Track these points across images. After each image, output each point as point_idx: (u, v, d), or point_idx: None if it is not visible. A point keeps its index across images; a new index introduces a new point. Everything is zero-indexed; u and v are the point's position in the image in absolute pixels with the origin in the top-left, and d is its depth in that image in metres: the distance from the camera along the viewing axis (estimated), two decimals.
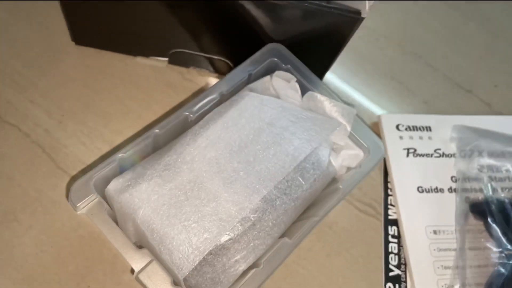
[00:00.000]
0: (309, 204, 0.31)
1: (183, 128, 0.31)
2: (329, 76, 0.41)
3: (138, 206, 0.26)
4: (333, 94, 0.33)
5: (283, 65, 0.33)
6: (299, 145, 0.29)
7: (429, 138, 0.39)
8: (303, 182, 0.29)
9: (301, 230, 0.28)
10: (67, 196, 0.33)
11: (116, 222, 0.27)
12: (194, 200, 0.27)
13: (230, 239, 0.27)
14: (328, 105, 0.32)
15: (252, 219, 0.27)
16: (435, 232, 0.35)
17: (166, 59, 0.39)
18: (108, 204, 0.28)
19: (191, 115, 0.30)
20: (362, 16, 0.30)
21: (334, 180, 0.32)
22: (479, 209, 0.35)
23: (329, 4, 0.30)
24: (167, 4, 0.32)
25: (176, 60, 0.38)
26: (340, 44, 0.33)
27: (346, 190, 0.30)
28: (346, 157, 0.32)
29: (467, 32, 0.46)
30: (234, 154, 0.28)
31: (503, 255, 0.33)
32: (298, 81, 0.33)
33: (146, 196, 0.26)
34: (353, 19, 0.30)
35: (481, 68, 0.44)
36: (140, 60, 0.39)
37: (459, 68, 0.44)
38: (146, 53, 0.38)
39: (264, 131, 0.29)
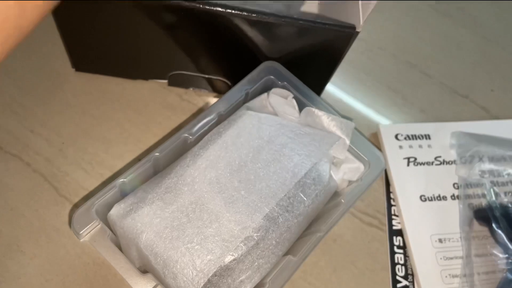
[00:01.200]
0: (312, 219, 0.31)
1: (183, 150, 0.31)
2: (326, 89, 0.42)
3: (140, 230, 0.26)
4: (331, 109, 0.33)
5: (280, 82, 0.33)
6: (299, 161, 0.29)
7: (429, 146, 0.39)
8: (304, 198, 0.29)
9: (305, 246, 0.28)
10: (70, 224, 0.33)
11: (120, 248, 0.27)
12: (197, 222, 0.27)
13: (234, 260, 0.27)
14: (326, 120, 0.32)
15: (256, 238, 0.27)
16: (440, 240, 0.35)
17: (165, 81, 0.39)
18: (111, 230, 0.28)
19: (190, 137, 0.31)
20: (357, 30, 0.31)
21: (336, 194, 0.32)
22: (483, 215, 0.35)
23: (324, 20, 0.31)
24: (165, 27, 0.33)
25: (175, 81, 0.39)
26: (336, 59, 0.34)
27: (348, 204, 0.30)
28: (347, 170, 0.32)
29: (460, 39, 0.46)
30: (235, 173, 0.28)
31: (510, 261, 0.33)
32: (295, 97, 0.33)
33: (148, 220, 0.26)
34: (348, 34, 0.31)
35: (476, 73, 0.45)
36: (139, 83, 0.39)
37: (454, 75, 0.44)
38: (146, 76, 0.39)
39: (264, 149, 0.29)
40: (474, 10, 0.48)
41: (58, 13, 0.33)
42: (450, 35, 0.46)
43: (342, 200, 0.30)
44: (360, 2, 0.30)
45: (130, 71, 0.38)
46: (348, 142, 0.32)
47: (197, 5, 0.30)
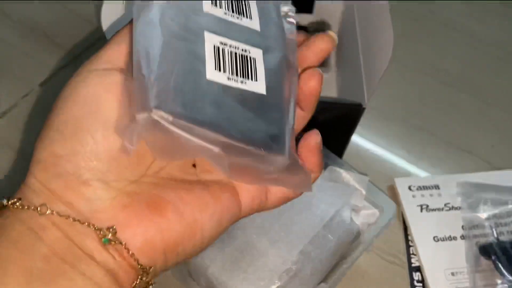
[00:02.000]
0: (339, 255, 0.39)
1: None
2: (349, 149, 0.50)
3: (207, 265, 0.35)
4: (349, 167, 0.42)
5: None
6: (324, 208, 0.37)
7: (439, 195, 0.47)
8: (331, 238, 0.37)
9: (335, 276, 0.36)
10: None
11: (193, 278, 0.36)
12: (249, 257, 0.35)
13: (279, 286, 0.35)
14: (345, 176, 0.41)
15: (294, 269, 0.35)
16: (453, 274, 0.41)
17: None
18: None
19: None
20: (363, 107, 0.40)
21: (357, 235, 0.40)
22: (487, 252, 0.41)
23: (338, 100, 0.41)
24: None
25: None
26: (351, 128, 0.43)
27: (367, 243, 0.38)
28: (365, 215, 0.40)
29: (461, 103, 0.55)
30: (275, 219, 0.37)
31: None
32: None
33: (213, 257, 0.35)
34: (356, 110, 0.40)
35: (478, 132, 0.52)
36: None
37: (458, 134, 0.52)
38: None
39: (297, 200, 0.38)
40: (474, 79, 0.57)
41: None
42: (452, 100, 0.55)
43: (362, 240, 0.38)
44: (364, 83, 0.40)
45: None
46: (364, 192, 0.40)
47: None
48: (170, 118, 0.19)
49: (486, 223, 0.43)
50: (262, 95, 0.23)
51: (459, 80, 0.57)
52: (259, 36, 0.24)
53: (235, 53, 0.22)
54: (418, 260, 0.43)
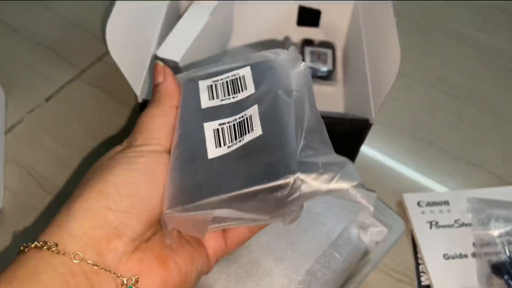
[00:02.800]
0: (347, 274, 0.38)
1: None
2: (359, 165, 0.50)
3: (212, 284, 0.35)
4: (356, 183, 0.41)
5: None
6: (331, 226, 0.37)
7: (448, 211, 0.46)
8: (338, 256, 0.36)
9: None
10: None
11: None
12: (254, 276, 0.35)
13: None
14: (353, 192, 0.40)
15: None
16: None
17: None
18: None
19: None
20: (370, 122, 0.40)
21: (366, 254, 0.39)
22: (499, 271, 0.40)
23: (344, 116, 0.40)
24: None
25: None
26: (358, 144, 0.43)
27: (375, 261, 0.37)
28: (373, 233, 0.39)
29: (470, 117, 0.54)
30: (281, 238, 0.36)
31: None
32: None
33: (218, 276, 0.35)
34: (363, 125, 0.40)
35: (487, 145, 0.51)
36: None
37: (467, 148, 0.51)
38: None
39: (303, 217, 0.37)
40: (482, 92, 0.56)
41: None
42: (461, 114, 0.54)
43: (370, 258, 0.37)
44: (371, 98, 0.39)
45: None
46: (372, 209, 0.39)
47: None
48: (180, 208, 0.24)
49: (498, 241, 0.42)
50: (259, 136, 0.25)
51: (468, 93, 0.56)
52: (254, 95, 0.28)
53: (233, 125, 0.27)
54: (428, 279, 0.42)
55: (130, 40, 0.39)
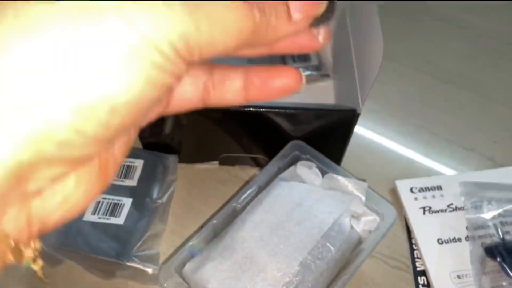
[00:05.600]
0: (341, 265, 0.38)
1: (233, 216, 0.40)
2: (349, 154, 0.50)
3: (207, 281, 0.35)
4: (347, 173, 0.41)
5: (304, 156, 0.42)
6: (323, 218, 0.37)
7: (441, 196, 0.46)
8: (331, 247, 0.37)
9: (337, 285, 0.35)
10: None
11: None
12: (248, 272, 0.35)
13: None
14: (344, 183, 0.40)
15: (295, 282, 0.35)
16: (459, 276, 0.41)
17: (217, 162, 0.49)
18: (186, 282, 0.36)
19: (238, 205, 0.40)
20: (357, 112, 0.40)
21: (359, 243, 0.39)
22: (492, 253, 0.40)
23: (332, 107, 0.40)
24: (219, 123, 0.43)
25: (225, 161, 0.49)
26: (347, 134, 0.43)
27: (368, 250, 0.37)
28: (366, 222, 0.39)
29: (461, 100, 0.54)
30: (274, 232, 0.36)
31: None
32: (318, 167, 0.42)
33: (212, 273, 0.35)
34: (351, 115, 0.40)
35: (479, 128, 0.51)
36: (197, 165, 0.50)
37: (459, 132, 0.51)
38: (201, 160, 0.49)
39: (295, 210, 0.38)
40: (473, 74, 0.56)
41: None
42: (452, 98, 0.54)
43: (364, 247, 0.37)
44: (358, 88, 0.39)
45: (189, 156, 0.49)
46: (363, 198, 0.39)
47: (241, 108, 0.41)
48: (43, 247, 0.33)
49: (491, 223, 0.42)
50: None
51: (458, 76, 0.56)
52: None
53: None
54: (423, 264, 0.42)
55: None
